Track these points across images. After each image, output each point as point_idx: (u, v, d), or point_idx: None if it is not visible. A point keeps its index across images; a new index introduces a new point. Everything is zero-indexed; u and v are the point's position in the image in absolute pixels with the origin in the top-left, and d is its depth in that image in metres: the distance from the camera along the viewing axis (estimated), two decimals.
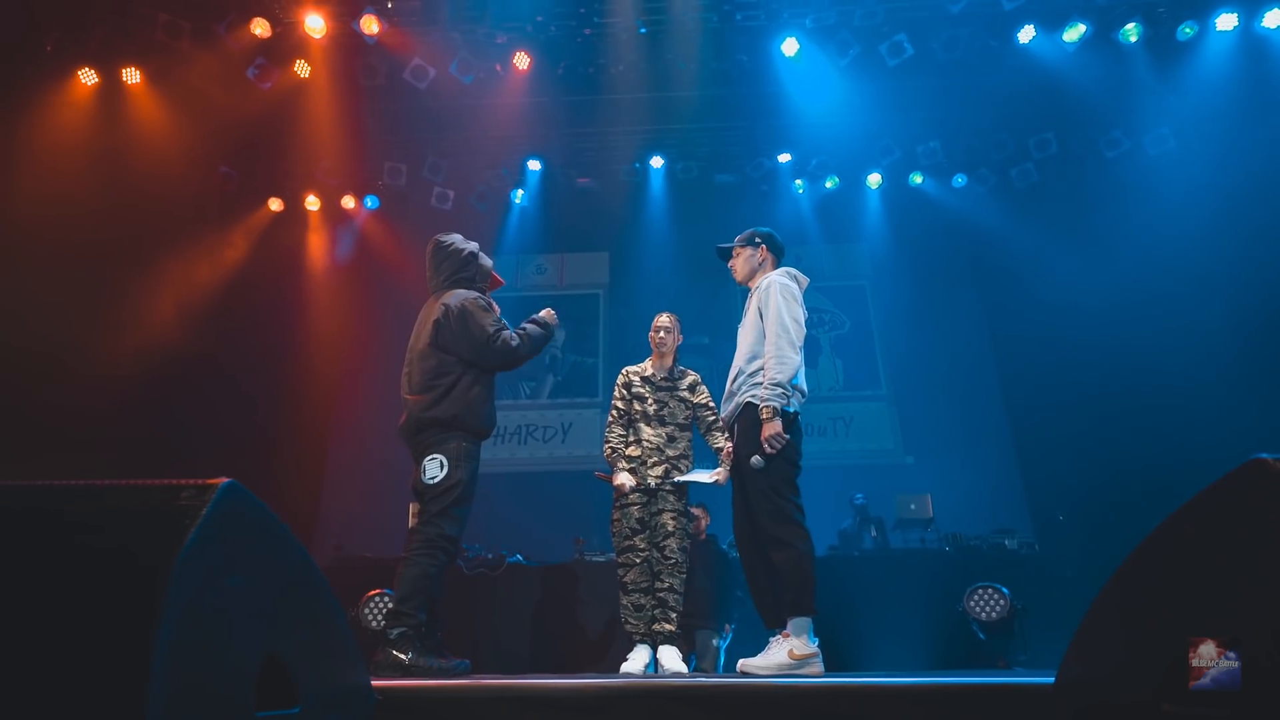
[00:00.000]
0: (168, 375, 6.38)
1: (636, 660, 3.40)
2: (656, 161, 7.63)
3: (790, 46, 6.24)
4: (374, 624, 3.95)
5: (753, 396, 2.71)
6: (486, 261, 3.37)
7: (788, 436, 2.62)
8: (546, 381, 7.85)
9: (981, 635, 3.74)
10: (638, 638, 3.47)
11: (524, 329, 3.18)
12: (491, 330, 3.03)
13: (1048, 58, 6.31)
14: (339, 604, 0.91)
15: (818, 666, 2.42)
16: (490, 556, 4.86)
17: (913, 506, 5.36)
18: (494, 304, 3.20)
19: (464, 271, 3.26)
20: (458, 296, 3.12)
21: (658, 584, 3.49)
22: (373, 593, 4.07)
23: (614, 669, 3.47)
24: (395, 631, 2.68)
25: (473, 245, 3.33)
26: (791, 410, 2.67)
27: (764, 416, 2.61)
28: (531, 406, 7.70)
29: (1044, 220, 7.27)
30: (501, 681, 1.53)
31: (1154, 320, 6.40)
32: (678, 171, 7.65)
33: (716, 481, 3.40)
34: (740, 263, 3.07)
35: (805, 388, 2.76)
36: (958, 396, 7.36)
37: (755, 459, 2.61)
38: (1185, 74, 6.38)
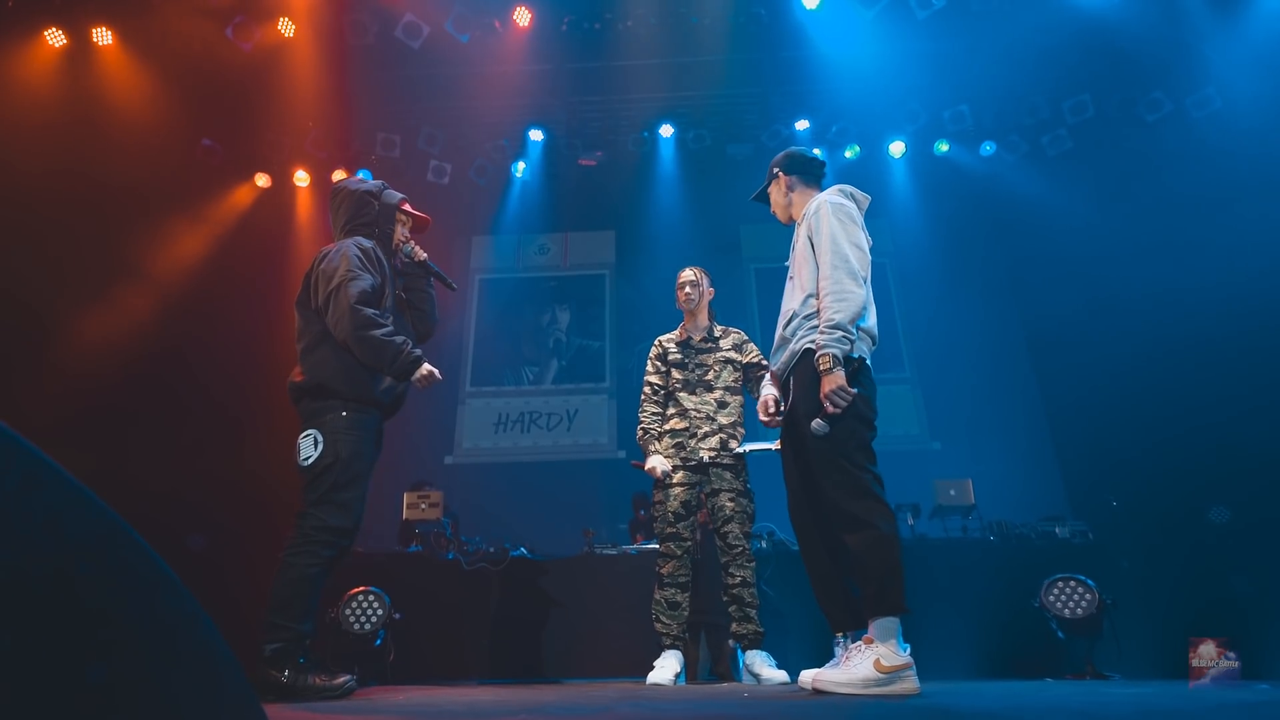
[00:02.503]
0: (145, 368, 5.96)
1: (665, 669, 2.94)
2: (666, 130, 7.16)
3: None
4: (357, 626, 3.49)
5: (812, 342, 2.19)
6: (392, 197, 2.86)
7: (854, 390, 2.09)
8: (551, 366, 7.41)
9: (1061, 634, 3.26)
10: (667, 641, 3.02)
11: (390, 334, 2.52)
12: (342, 273, 2.50)
13: (1087, 9, 5.86)
14: (194, 603, 0.46)
15: (911, 681, 1.91)
16: (491, 550, 4.42)
17: (952, 492, 4.89)
18: (374, 259, 2.64)
19: (361, 216, 2.77)
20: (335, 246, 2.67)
21: (728, 579, 3.07)
22: (354, 590, 3.60)
23: (629, 674, 3.04)
24: (270, 647, 2.26)
25: (372, 184, 2.86)
26: (857, 357, 2.16)
27: (822, 367, 2.09)
28: (535, 392, 7.26)
29: (1077, 190, 6.84)
30: None
31: (1195, 295, 5.96)
32: (689, 141, 7.18)
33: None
34: (775, 201, 2.58)
35: (875, 330, 2.25)
36: (986, 378, 6.95)
37: (817, 423, 2.08)
38: (1236, 27, 5.93)
